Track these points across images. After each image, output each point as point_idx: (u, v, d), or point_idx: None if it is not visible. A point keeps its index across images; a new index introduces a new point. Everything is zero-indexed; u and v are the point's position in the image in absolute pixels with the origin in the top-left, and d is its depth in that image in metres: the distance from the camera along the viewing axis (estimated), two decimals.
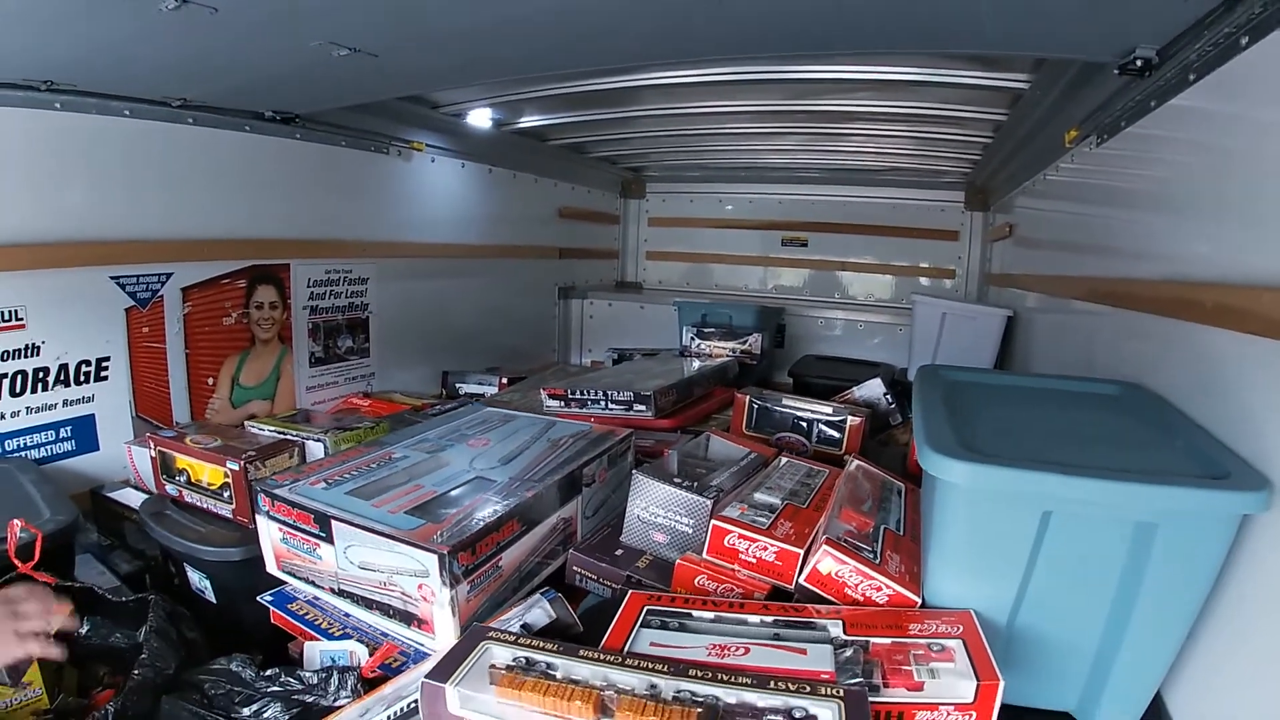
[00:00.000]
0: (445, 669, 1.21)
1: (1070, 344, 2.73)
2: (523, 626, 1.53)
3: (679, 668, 1.22)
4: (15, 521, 1.63)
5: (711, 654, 1.34)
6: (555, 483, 1.87)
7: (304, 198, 3.13)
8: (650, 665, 1.23)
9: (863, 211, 4.79)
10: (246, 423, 2.53)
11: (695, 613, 1.49)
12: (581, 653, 1.26)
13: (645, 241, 5.34)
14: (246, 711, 1.59)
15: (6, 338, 2.30)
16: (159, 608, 1.73)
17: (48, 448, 2.45)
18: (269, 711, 1.58)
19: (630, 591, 1.60)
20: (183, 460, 2.21)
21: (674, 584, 1.72)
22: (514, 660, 1.24)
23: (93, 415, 2.56)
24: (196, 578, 2.07)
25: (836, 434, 2.59)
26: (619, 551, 1.89)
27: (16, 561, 1.62)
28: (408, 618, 1.60)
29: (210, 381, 2.90)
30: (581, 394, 2.79)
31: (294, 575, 1.80)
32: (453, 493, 1.82)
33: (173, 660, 1.66)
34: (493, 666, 1.23)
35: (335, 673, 1.58)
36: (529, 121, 3.76)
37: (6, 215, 2.26)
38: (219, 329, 2.90)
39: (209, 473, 2.15)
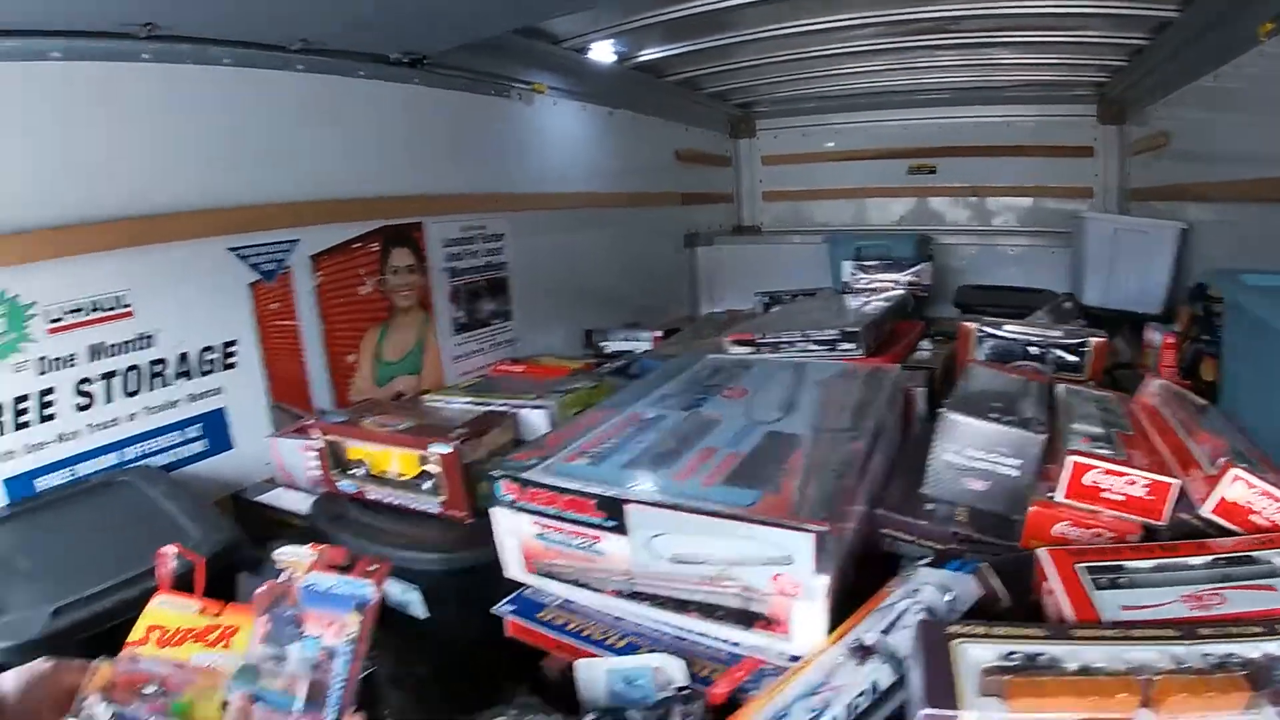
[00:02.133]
0: (941, 691, 0.83)
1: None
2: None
3: (1188, 629, 0.91)
4: (169, 550, 1.12)
5: (1192, 607, 1.03)
6: (872, 430, 1.40)
7: (431, 149, 2.62)
8: (1158, 634, 0.90)
9: (991, 133, 4.19)
10: (425, 399, 1.98)
11: (1127, 564, 1.13)
12: (1076, 633, 0.93)
13: (760, 182, 4.78)
14: None
15: (112, 329, 1.85)
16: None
17: (174, 452, 1.99)
18: None
19: (1044, 550, 1.17)
20: (359, 450, 1.70)
21: (1026, 536, 1.30)
22: (1007, 659, 0.87)
23: (222, 409, 2.09)
24: (397, 590, 1.55)
25: (1074, 358, 2.10)
26: (929, 506, 1.42)
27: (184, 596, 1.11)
28: (746, 618, 1.16)
29: (351, 358, 2.41)
30: (774, 336, 2.25)
31: (554, 578, 1.32)
32: (760, 453, 1.32)
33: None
34: (985, 672, 0.84)
35: (676, 707, 1.06)
36: (648, 54, 3.29)
37: (101, 185, 1.80)
38: (355, 299, 2.41)
39: (400, 461, 1.64)
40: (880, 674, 0.97)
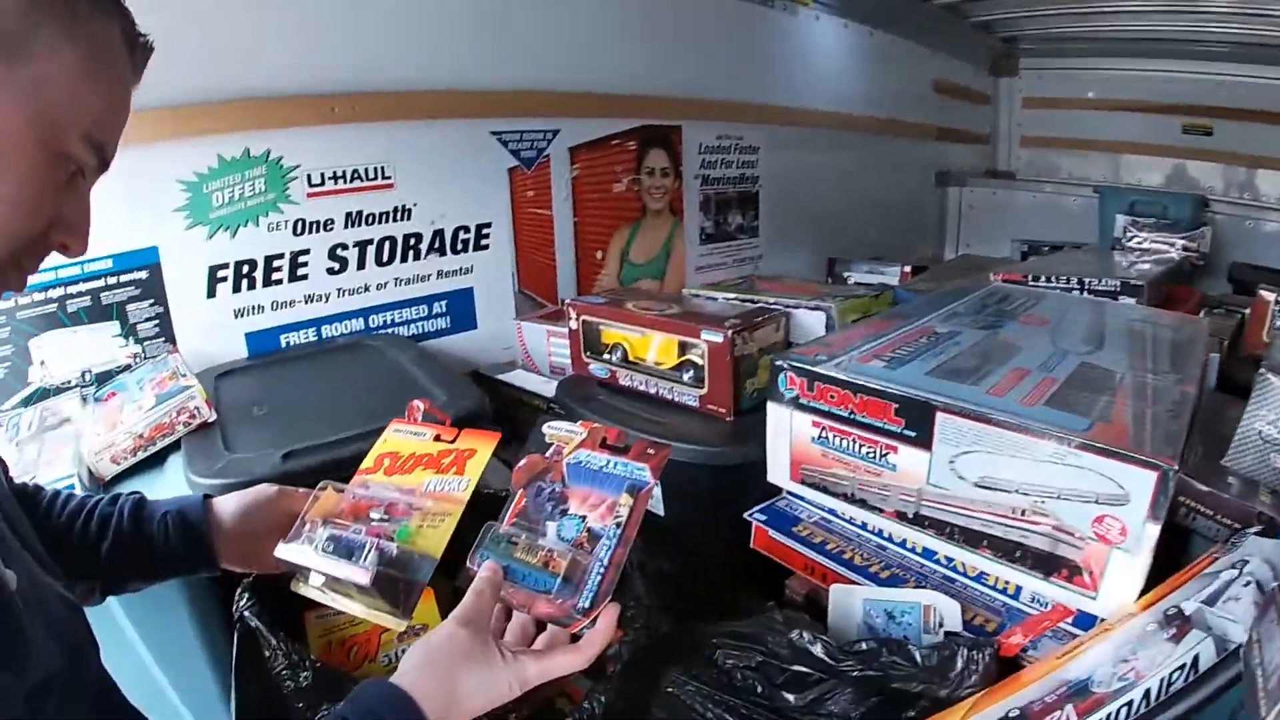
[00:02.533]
0: None
1: None
2: None
3: None
4: (418, 403, 1.07)
5: None
6: (1197, 378, 1.20)
7: (694, 52, 2.50)
8: None
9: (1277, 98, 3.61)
10: (686, 291, 1.89)
11: None
12: None
13: (1019, 125, 4.36)
14: (795, 699, 0.97)
15: (372, 198, 1.87)
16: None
17: (420, 325, 2.03)
18: (837, 701, 0.96)
19: None
20: (617, 333, 1.62)
21: None
22: None
23: (471, 289, 2.10)
24: None
25: None
26: (1229, 480, 1.16)
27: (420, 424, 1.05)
28: (1049, 564, 0.99)
29: (599, 255, 2.37)
30: (1048, 280, 2.05)
31: (824, 490, 1.19)
32: (1079, 381, 1.14)
33: (663, 619, 1.07)
34: None
35: (962, 650, 0.92)
36: None
37: (370, 59, 1.80)
38: (609, 196, 2.35)
39: (659, 348, 1.55)
40: (1203, 649, 0.82)
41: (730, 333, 1.41)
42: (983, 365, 1.17)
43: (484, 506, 0.93)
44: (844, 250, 3.12)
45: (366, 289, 1.92)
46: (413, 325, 2.01)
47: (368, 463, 1.00)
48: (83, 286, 1.57)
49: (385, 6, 1.81)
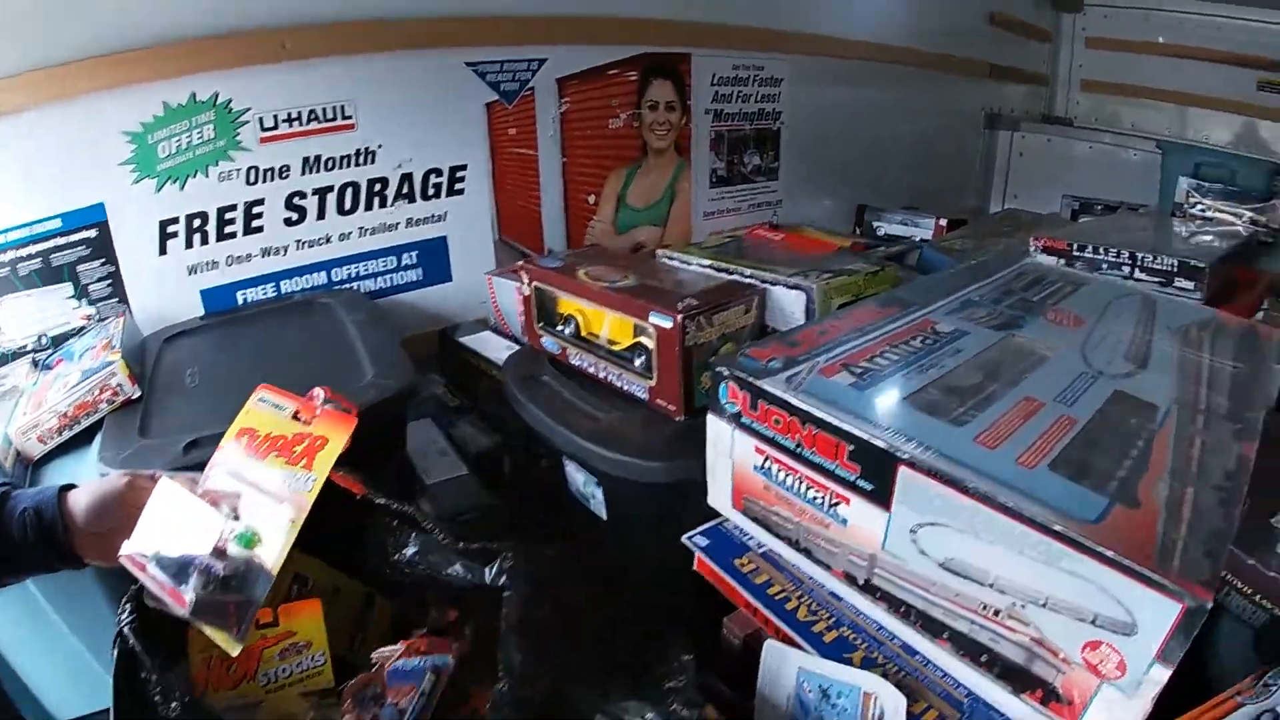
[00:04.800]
0: None
1: None
2: None
3: None
4: (318, 391, 0.91)
5: None
6: (1261, 426, 0.85)
7: None
8: None
9: None
10: (660, 253, 1.58)
11: None
12: None
13: (1080, 67, 3.84)
14: None
15: (331, 141, 1.63)
16: (519, 576, 0.86)
17: (387, 278, 1.78)
18: None
19: None
20: (570, 304, 1.32)
21: None
22: None
23: (444, 238, 1.84)
24: (581, 480, 1.23)
25: None
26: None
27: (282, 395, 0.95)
28: (1022, 678, 0.72)
29: (591, 199, 2.05)
30: (1094, 252, 1.72)
31: (766, 527, 0.91)
32: (1107, 424, 0.82)
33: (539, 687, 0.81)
34: None
35: None
36: None
37: None
38: (604, 133, 2.01)
39: (613, 325, 1.25)
40: None
41: (681, 317, 1.09)
42: (984, 388, 0.86)
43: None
44: (878, 197, 2.75)
45: (328, 240, 1.68)
46: (380, 278, 1.76)
47: (230, 433, 0.92)
48: (33, 249, 1.42)
49: None
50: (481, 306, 1.86)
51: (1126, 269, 1.67)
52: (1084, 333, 1.07)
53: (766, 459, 0.85)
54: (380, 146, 1.67)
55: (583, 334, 1.29)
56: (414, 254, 1.79)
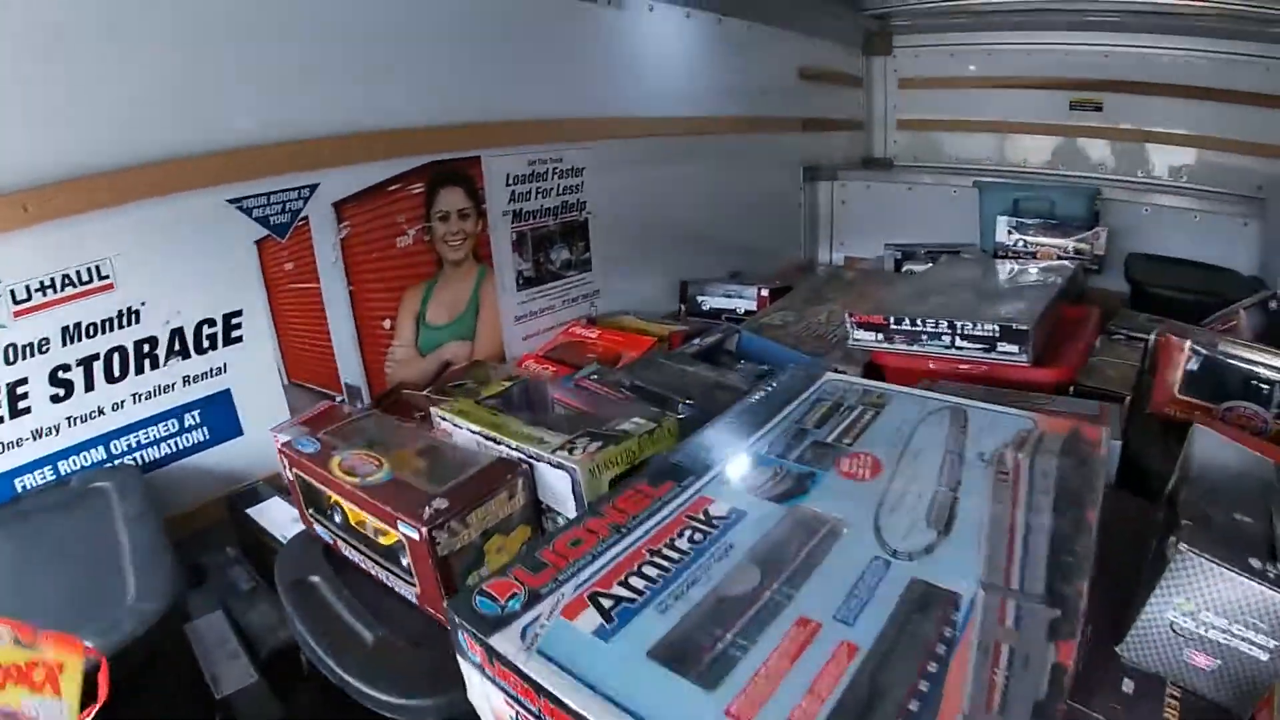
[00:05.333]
0: None
1: None
2: None
3: None
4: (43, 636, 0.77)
5: None
6: (1085, 602, 0.75)
7: (491, 64, 2.01)
8: None
9: (1172, 69, 3.21)
10: (434, 412, 1.44)
11: None
12: None
13: (895, 108, 3.93)
14: None
15: (90, 305, 1.45)
16: None
17: (171, 443, 1.59)
18: None
19: None
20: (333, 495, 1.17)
21: None
22: None
23: (227, 391, 1.66)
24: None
25: None
26: (1127, 683, 0.80)
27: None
28: None
29: (387, 324, 1.90)
30: (911, 324, 1.67)
31: None
32: (898, 643, 0.71)
33: None
34: None
35: None
36: None
37: (53, 139, 1.38)
38: (392, 253, 1.88)
39: (374, 522, 1.10)
40: None
41: (426, 530, 0.96)
42: (751, 605, 0.75)
43: None
44: (705, 266, 2.70)
45: (101, 412, 1.50)
46: (163, 444, 1.58)
47: None
48: None
49: (58, 72, 1.36)
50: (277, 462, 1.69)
51: (947, 339, 1.63)
52: (881, 486, 0.96)
53: (518, 715, 0.73)
54: (144, 304, 1.51)
55: (353, 523, 1.15)
56: (196, 413, 1.62)
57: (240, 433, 1.69)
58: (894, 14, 3.73)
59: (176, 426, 1.60)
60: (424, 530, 0.96)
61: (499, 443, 1.17)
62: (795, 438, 1.11)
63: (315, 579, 1.17)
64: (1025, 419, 1.11)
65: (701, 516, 0.90)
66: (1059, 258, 2.62)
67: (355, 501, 1.09)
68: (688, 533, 0.87)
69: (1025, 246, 2.74)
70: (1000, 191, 2.95)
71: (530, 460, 1.11)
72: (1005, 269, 2.18)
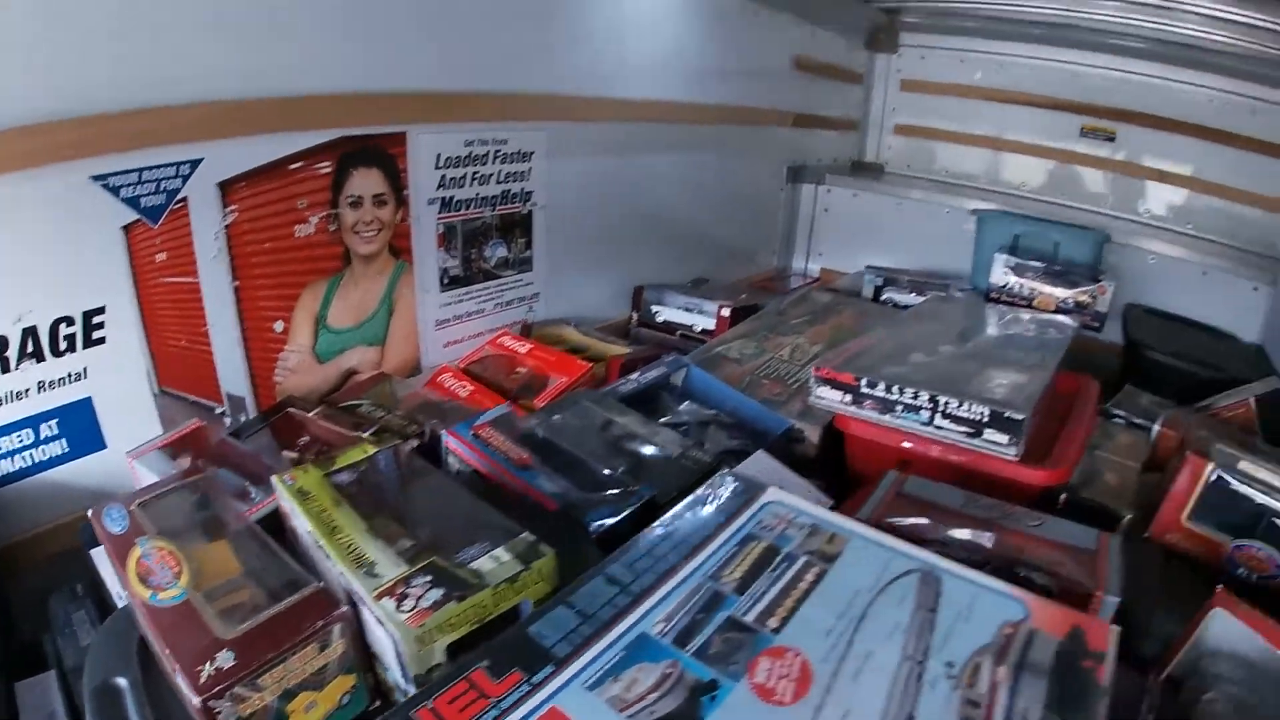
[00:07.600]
0: None
1: None
2: None
3: None
4: None
5: None
6: None
7: (426, 27, 1.72)
8: None
9: (1192, 107, 2.93)
10: (275, 483, 1.14)
11: None
12: None
13: (894, 111, 3.67)
14: None
15: None
16: None
17: (26, 455, 1.36)
18: None
19: None
20: None
21: None
22: None
23: (88, 399, 1.42)
24: None
25: None
26: None
27: None
28: None
29: (280, 326, 1.64)
30: (886, 391, 1.42)
31: None
32: None
33: None
34: None
35: None
36: None
37: None
38: (289, 243, 1.61)
39: None
40: None
41: (202, 700, 0.71)
42: None
43: None
44: (662, 272, 2.45)
45: None
46: (17, 457, 1.35)
47: None
48: None
49: None
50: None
51: (926, 414, 1.40)
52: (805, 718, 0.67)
53: None
54: None
55: None
56: (53, 423, 1.38)
57: (103, 445, 1.45)
58: (905, 9, 3.47)
59: (32, 438, 1.37)
60: (198, 701, 0.71)
61: (327, 556, 0.90)
62: (705, 608, 0.81)
63: (122, 683, 0.91)
64: (1014, 601, 0.83)
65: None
66: (1058, 309, 2.38)
67: (145, 622, 0.84)
68: None
69: (1022, 290, 2.50)
70: (1001, 225, 2.70)
71: (358, 600, 0.85)
72: (998, 317, 1.94)
